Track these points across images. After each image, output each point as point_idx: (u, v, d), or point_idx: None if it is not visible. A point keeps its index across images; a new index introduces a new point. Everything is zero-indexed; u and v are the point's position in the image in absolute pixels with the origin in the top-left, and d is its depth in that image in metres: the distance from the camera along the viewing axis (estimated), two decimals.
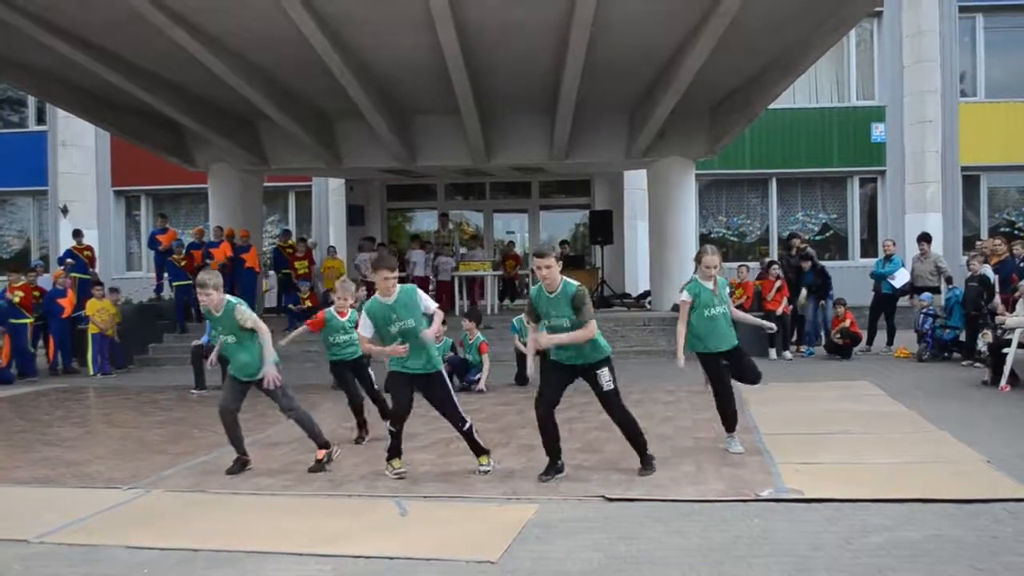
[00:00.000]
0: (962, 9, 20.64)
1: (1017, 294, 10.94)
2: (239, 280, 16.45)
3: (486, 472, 6.52)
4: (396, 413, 6.50)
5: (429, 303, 6.51)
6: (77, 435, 8.86)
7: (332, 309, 8.15)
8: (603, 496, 5.82)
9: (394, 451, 6.56)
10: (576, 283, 6.22)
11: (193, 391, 11.59)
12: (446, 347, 11.50)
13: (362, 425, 8.08)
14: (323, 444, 6.92)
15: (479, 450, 6.63)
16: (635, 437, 6.45)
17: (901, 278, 14.28)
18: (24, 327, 13.92)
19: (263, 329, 6.69)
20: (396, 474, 6.48)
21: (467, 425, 6.55)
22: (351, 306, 8.15)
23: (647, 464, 6.42)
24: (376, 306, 6.37)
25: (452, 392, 6.58)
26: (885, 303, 14.50)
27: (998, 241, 13.30)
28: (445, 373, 6.61)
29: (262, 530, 5.27)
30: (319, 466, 6.79)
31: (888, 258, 14.60)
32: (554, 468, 6.39)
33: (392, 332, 6.35)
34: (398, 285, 6.42)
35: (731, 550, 4.70)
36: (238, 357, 6.70)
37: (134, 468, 7.06)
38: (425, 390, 6.53)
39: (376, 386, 8.17)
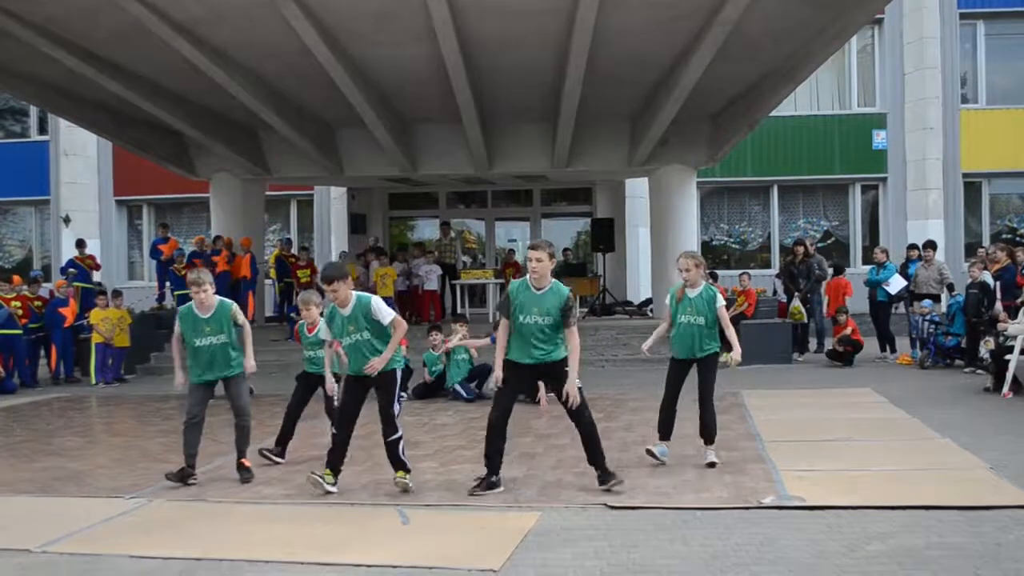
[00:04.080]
0: (963, 16, 20.67)
1: (1019, 301, 10.94)
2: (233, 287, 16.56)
3: (404, 490, 6.23)
4: (340, 417, 6.36)
5: (385, 314, 6.20)
6: (79, 444, 8.86)
7: (303, 322, 8.01)
8: (605, 504, 5.81)
9: (332, 459, 6.32)
10: (568, 288, 6.17)
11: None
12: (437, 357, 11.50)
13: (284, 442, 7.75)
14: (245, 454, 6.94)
15: (399, 464, 6.30)
16: (596, 448, 6.25)
17: (896, 284, 14.24)
18: (19, 338, 13.87)
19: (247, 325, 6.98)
20: (324, 485, 6.23)
21: (396, 435, 6.25)
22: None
23: (606, 477, 6.17)
24: (335, 315, 6.32)
25: (396, 398, 6.33)
26: (881, 310, 14.47)
27: (993, 248, 13.30)
28: (399, 376, 6.35)
29: (264, 539, 5.26)
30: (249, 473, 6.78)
31: (881, 265, 14.56)
32: (488, 481, 6.20)
33: (345, 344, 6.31)
34: (354, 294, 6.26)
35: (733, 558, 4.69)
36: (225, 355, 6.79)
37: (136, 477, 7.06)
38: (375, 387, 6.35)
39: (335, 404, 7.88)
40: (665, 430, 7.13)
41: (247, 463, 6.84)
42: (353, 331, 6.22)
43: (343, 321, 6.24)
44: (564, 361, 6.17)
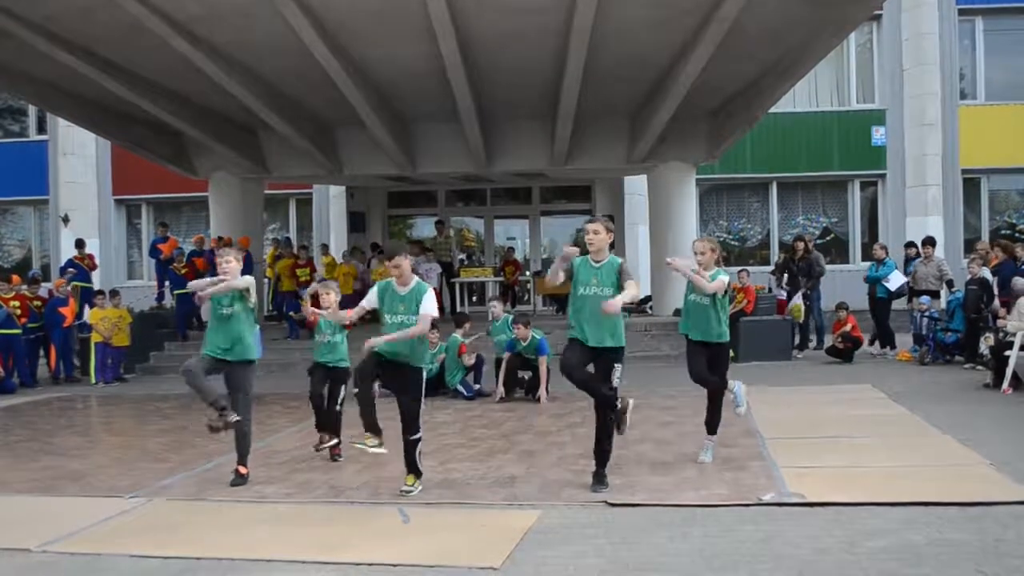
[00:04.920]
0: (961, 12, 20.65)
1: (1012, 296, 10.95)
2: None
3: (406, 493, 6.15)
4: (358, 374, 6.26)
5: (428, 305, 6.19)
6: (79, 444, 8.86)
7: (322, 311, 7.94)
8: (605, 501, 5.81)
9: (366, 421, 6.26)
10: (620, 259, 6.27)
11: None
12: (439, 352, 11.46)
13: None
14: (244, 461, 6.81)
15: (412, 467, 6.25)
16: (605, 445, 6.21)
17: (896, 280, 14.23)
18: (19, 337, 13.85)
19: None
20: (368, 448, 6.22)
21: (417, 435, 6.21)
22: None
23: (600, 479, 6.17)
24: (388, 289, 6.28)
25: (421, 398, 6.27)
26: (880, 307, 14.47)
27: (983, 246, 13.36)
28: (424, 376, 6.31)
29: (264, 538, 5.26)
30: (241, 479, 6.67)
31: (881, 262, 14.55)
32: (603, 474, 6.21)
33: (388, 322, 6.24)
34: (415, 278, 6.31)
35: (734, 555, 4.69)
36: (239, 333, 6.68)
37: (136, 477, 7.05)
38: (395, 381, 6.33)
39: (338, 406, 7.71)
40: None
41: (243, 471, 6.72)
42: (403, 311, 6.19)
43: (395, 299, 6.22)
44: (615, 352, 6.16)
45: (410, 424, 6.18)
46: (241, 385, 6.75)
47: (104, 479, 7.04)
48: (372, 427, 6.23)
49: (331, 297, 7.79)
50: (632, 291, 6.05)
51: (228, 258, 6.75)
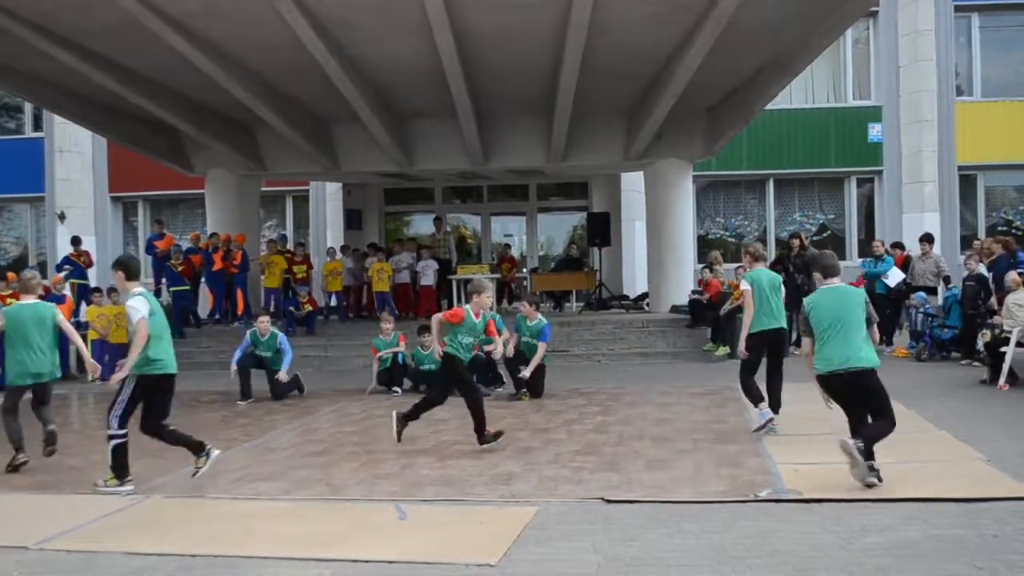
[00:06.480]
0: (958, 8, 20.65)
1: (1005, 290, 10.96)
2: (208, 282, 16.94)
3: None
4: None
5: (132, 316, 6.59)
6: (76, 441, 8.85)
7: (470, 307, 7.93)
8: (602, 498, 5.80)
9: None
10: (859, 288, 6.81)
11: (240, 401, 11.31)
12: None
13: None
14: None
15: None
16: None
17: (894, 277, 14.22)
18: None
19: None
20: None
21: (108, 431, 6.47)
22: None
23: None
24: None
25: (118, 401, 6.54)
26: (881, 303, 14.45)
27: (988, 242, 13.36)
28: (129, 384, 6.58)
29: (261, 535, 5.25)
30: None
31: (879, 258, 14.55)
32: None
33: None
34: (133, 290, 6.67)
35: (730, 551, 4.69)
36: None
37: (132, 474, 7.01)
38: None
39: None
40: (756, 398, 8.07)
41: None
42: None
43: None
44: None
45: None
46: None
47: (101, 476, 7.01)
48: (119, 468, 6.47)
49: (485, 299, 7.97)
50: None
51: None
